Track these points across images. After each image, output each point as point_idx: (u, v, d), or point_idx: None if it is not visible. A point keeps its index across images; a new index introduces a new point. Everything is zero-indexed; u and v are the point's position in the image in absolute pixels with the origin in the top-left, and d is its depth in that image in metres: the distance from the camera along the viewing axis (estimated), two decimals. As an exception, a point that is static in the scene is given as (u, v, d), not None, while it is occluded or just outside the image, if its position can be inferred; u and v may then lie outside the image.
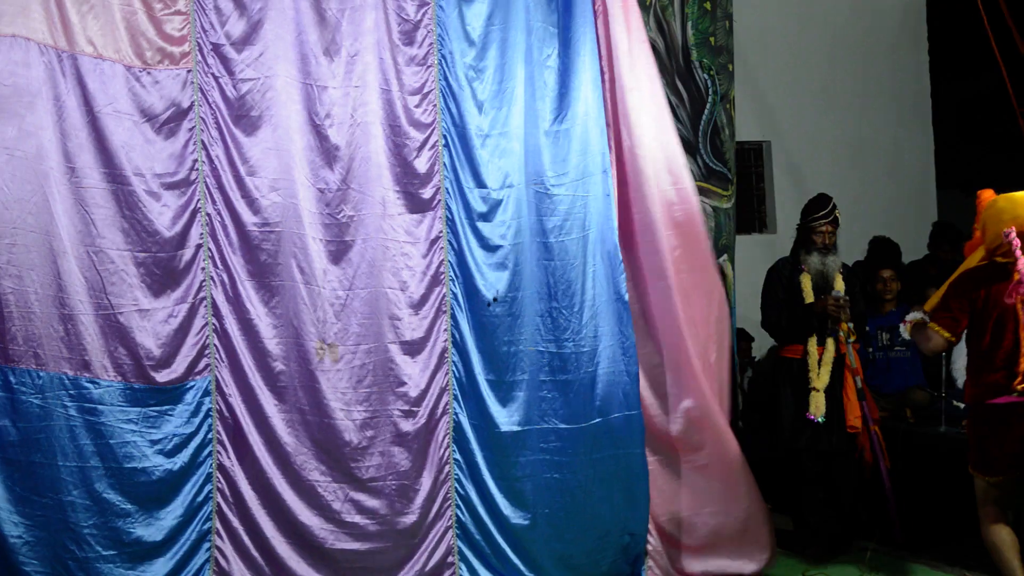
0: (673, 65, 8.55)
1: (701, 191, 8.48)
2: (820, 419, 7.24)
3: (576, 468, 6.30)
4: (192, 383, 5.80)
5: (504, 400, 6.25)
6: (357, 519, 5.99)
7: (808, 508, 7.48)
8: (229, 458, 5.86)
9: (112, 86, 5.69)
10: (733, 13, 8.78)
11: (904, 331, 5.93)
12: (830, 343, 7.32)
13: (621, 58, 6.61)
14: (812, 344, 7.33)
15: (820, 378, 7.28)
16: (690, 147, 8.58)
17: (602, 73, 6.63)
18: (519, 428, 6.25)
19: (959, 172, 12.14)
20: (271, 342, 5.92)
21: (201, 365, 5.83)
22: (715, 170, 8.67)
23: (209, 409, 5.83)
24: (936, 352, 6.05)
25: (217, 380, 5.85)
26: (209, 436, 5.83)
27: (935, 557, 7.33)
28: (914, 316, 5.97)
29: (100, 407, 5.59)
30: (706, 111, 8.63)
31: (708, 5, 8.64)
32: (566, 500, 6.29)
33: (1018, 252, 5.78)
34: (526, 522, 6.23)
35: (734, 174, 8.82)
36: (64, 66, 5.59)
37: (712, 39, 8.66)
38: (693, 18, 8.59)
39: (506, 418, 6.25)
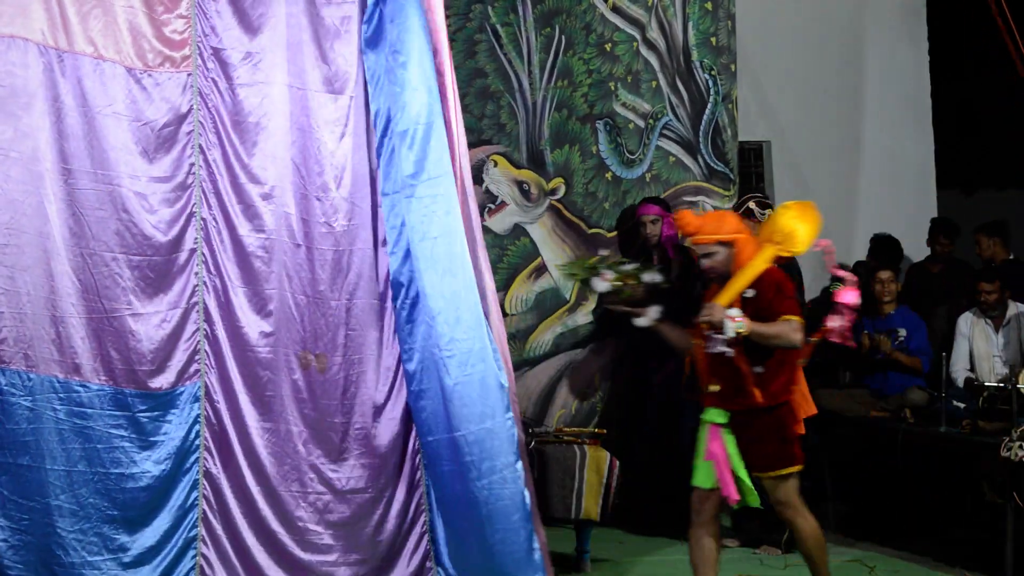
0: (674, 65, 8.57)
1: (702, 191, 8.52)
2: None
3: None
4: (182, 389, 5.77)
5: None
6: (331, 531, 5.95)
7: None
8: (215, 465, 5.81)
9: (112, 87, 5.66)
10: (736, 13, 8.79)
11: (731, 330, 5.47)
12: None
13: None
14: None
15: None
16: (690, 147, 8.60)
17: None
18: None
19: (959, 172, 12.16)
20: (261, 350, 5.89)
21: (191, 371, 5.79)
22: (717, 170, 8.68)
23: (198, 415, 5.79)
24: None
25: (207, 386, 5.82)
26: (197, 443, 5.78)
27: (935, 557, 7.34)
28: (741, 325, 5.54)
29: (90, 411, 5.54)
30: (707, 111, 8.65)
31: (709, 5, 8.66)
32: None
33: (836, 270, 6.00)
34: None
35: (736, 174, 8.84)
36: (64, 67, 5.56)
37: (713, 39, 8.67)
38: (694, 18, 8.60)
39: None
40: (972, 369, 7.95)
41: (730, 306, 5.55)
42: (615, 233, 8.37)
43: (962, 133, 12.12)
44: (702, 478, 5.75)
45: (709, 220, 5.87)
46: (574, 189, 8.26)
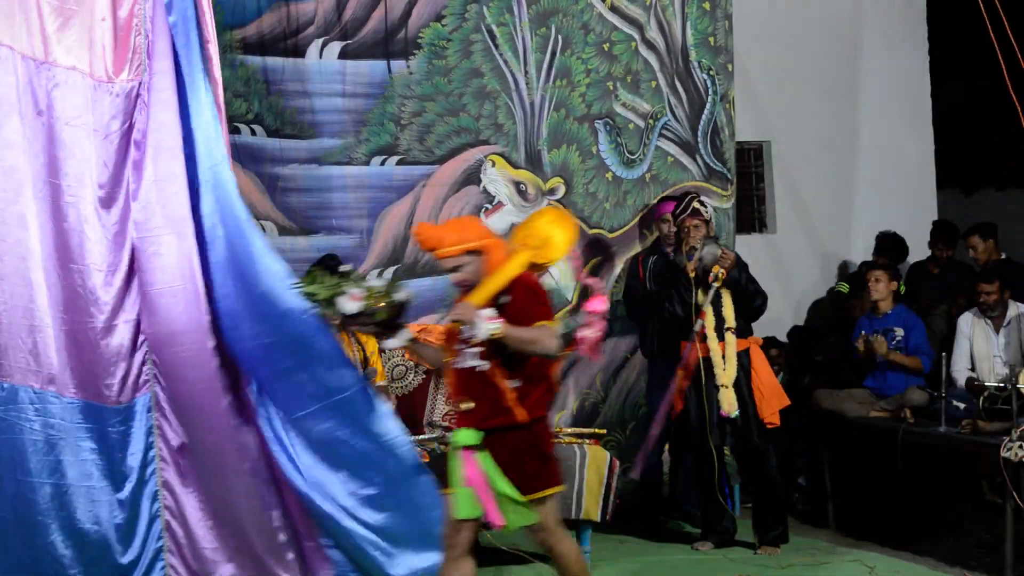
0: (672, 65, 8.56)
1: (701, 191, 8.51)
2: (734, 415, 7.31)
3: None
4: (138, 399, 5.69)
5: None
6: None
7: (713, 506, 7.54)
8: (171, 474, 5.72)
9: (79, 98, 5.60)
10: (733, 13, 8.79)
11: (484, 331, 5.18)
12: (729, 337, 7.35)
13: None
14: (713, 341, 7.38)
15: (726, 373, 7.34)
16: (689, 148, 8.60)
17: None
18: None
19: (959, 172, 12.15)
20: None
21: (142, 381, 5.71)
22: (715, 170, 8.68)
23: (151, 426, 5.71)
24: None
25: (156, 396, 5.72)
26: (152, 453, 5.71)
27: (935, 557, 7.33)
28: (495, 326, 5.22)
29: (62, 423, 5.49)
30: (705, 111, 8.65)
31: (707, 5, 8.66)
32: None
33: (585, 279, 5.79)
34: None
35: (734, 174, 8.83)
36: (41, 77, 5.54)
37: (711, 39, 8.67)
38: (692, 18, 8.60)
39: None
40: (973, 369, 7.94)
41: (483, 307, 5.23)
42: (616, 233, 8.37)
43: (962, 133, 12.11)
44: (464, 508, 5.34)
45: (451, 230, 5.45)
46: (574, 189, 8.26)
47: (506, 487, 5.25)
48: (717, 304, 7.38)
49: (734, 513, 7.77)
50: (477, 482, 5.29)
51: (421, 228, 5.49)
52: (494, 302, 5.24)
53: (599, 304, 5.72)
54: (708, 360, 7.39)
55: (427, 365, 6.35)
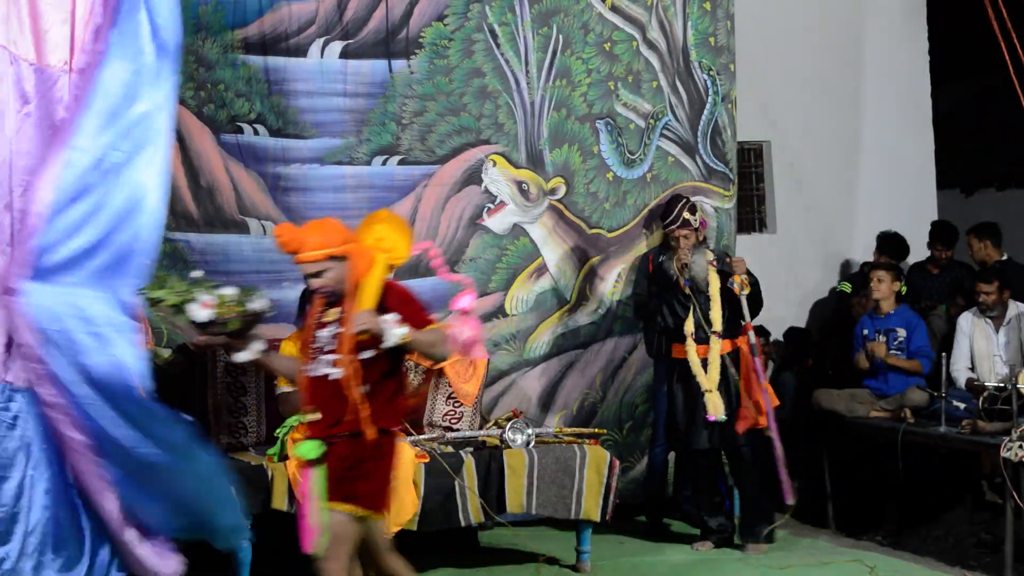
0: (673, 65, 8.56)
1: (700, 192, 8.52)
2: (720, 418, 7.27)
3: None
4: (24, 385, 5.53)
5: None
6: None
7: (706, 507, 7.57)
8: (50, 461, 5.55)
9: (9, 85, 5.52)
10: (735, 13, 8.79)
11: (394, 336, 5.03)
12: (714, 340, 7.34)
13: None
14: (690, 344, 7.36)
15: (709, 376, 7.32)
16: (689, 148, 8.60)
17: None
18: None
19: (959, 172, 12.14)
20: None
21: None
22: (716, 170, 8.68)
23: (38, 412, 5.52)
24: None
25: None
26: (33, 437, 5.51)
27: (935, 557, 7.34)
28: (403, 330, 5.10)
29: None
30: (706, 111, 8.65)
31: (708, 5, 8.66)
32: None
33: (448, 275, 5.71)
34: None
35: (735, 174, 8.83)
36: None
37: (712, 39, 8.67)
38: (693, 18, 8.60)
39: None
40: (973, 369, 7.95)
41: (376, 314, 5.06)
42: (616, 233, 8.38)
43: (962, 133, 12.11)
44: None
45: (314, 233, 5.21)
46: (575, 189, 8.26)
47: (323, 509, 5.08)
48: (705, 307, 7.37)
49: (735, 513, 7.78)
50: (306, 500, 5.18)
51: (281, 230, 5.24)
52: (378, 309, 5.07)
53: (468, 301, 5.47)
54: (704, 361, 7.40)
55: (280, 377, 6.15)
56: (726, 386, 7.37)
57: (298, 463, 5.24)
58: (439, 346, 5.19)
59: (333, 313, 5.24)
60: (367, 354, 5.09)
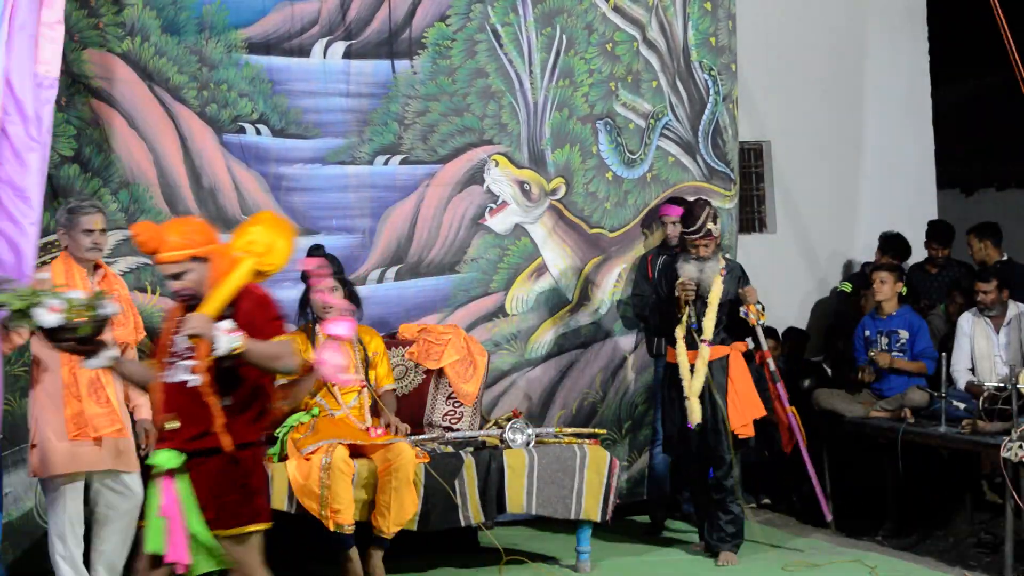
0: (674, 65, 8.57)
1: (702, 192, 8.52)
2: (696, 425, 7.18)
3: None
4: None
5: None
6: None
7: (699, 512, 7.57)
8: None
9: None
10: (736, 13, 8.79)
11: (225, 345, 4.72)
12: (703, 348, 7.22)
13: None
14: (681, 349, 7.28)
15: (693, 384, 7.22)
16: (689, 148, 8.61)
17: None
18: None
19: (959, 172, 12.15)
20: None
21: None
22: (717, 170, 8.69)
23: None
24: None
25: None
26: None
27: (935, 557, 7.35)
28: (236, 339, 4.79)
29: None
30: (707, 111, 8.65)
31: (709, 5, 8.66)
32: None
33: (325, 297, 5.48)
34: None
35: (737, 174, 8.84)
36: None
37: (713, 39, 8.68)
38: (694, 19, 8.61)
39: None
40: (973, 369, 7.96)
41: (219, 319, 4.77)
42: (616, 233, 8.38)
43: (962, 133, 12.11)
44: (154, 542, 4.84)
45: (176, 232, 4.91)
46: (575, 189, 8.26)
47: (197, 525, 4.81)
48: (700, 313, 7.28)
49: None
50: (171, 514, 4.82)
51: (141, 227, 4.91)
52: (224, 314, 4.80)
53: (341, 328, 5.27)
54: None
55: (135, 386, 5.99)
56: (710, 394, 7.23)
57: (155, 472, 4.86)
58: (282, 360, 4.87)
59: None
60: (227, 361, 4.79)
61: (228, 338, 4.71)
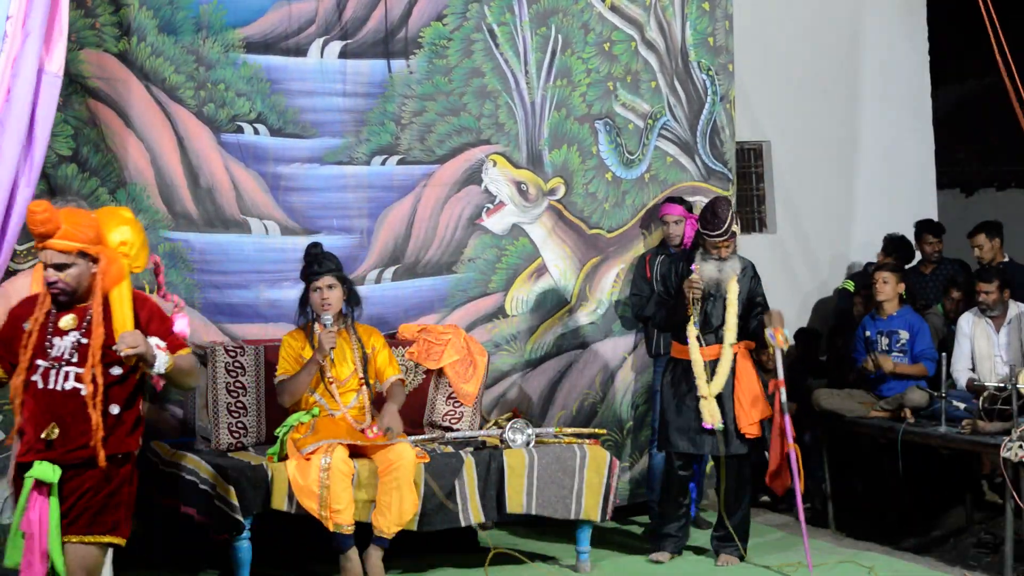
0: (672, 65, 8.56)
1: (700, 191, 8.51)
2: (718, 427, 7.13)
3: None
4: None
5: None
6: None
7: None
8: None
9: None
10: (733, 13, 8.79)
11: (164, 363, 4.60)
12: (727, 350, 7.17)
13: None
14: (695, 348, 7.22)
15: (712, 385, 7.15)
16: (688, 148, 8.60)
17: None
18: None
19: (959, 172, 12.16)
20: None
21: None
22: (714, 170, 8.68)
23: None
24: None
25: None
26: None
27: (935, 557, 7.34)
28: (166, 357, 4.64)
29: None
30: (705, 111, 8.65)
31: (707, 6, 8.66)
32: None
33: (165, 294, 5.14)
34: None
35: (734, 174, 8.83)
36: None
37: (711, 39, 8.67)
38: (692, 19, 8.61)
39: None
40: (973, 369, 7.95)
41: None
42: (615, 233, 8.37)
43: (962, 133, 12.12)
44: (12, 556, 4.59)
45: (71, 222, 4.62)
46: (574, 189, 8.26)
47: (56, 545, 4.55)
48: (710, 312, 7.25)
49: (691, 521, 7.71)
50: (35, 530, 4.57)
51: (39, 205, 4.61)
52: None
53: (181, 324, 4.95)
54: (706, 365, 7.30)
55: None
56: (719, 394, 7.19)
57: (33, 484, 4.57)
58: (194, 375, 4.80)
59: (70, 320, 4.68)
60: (116, 371, 4.61)
61: (164, 356, 4.58)
